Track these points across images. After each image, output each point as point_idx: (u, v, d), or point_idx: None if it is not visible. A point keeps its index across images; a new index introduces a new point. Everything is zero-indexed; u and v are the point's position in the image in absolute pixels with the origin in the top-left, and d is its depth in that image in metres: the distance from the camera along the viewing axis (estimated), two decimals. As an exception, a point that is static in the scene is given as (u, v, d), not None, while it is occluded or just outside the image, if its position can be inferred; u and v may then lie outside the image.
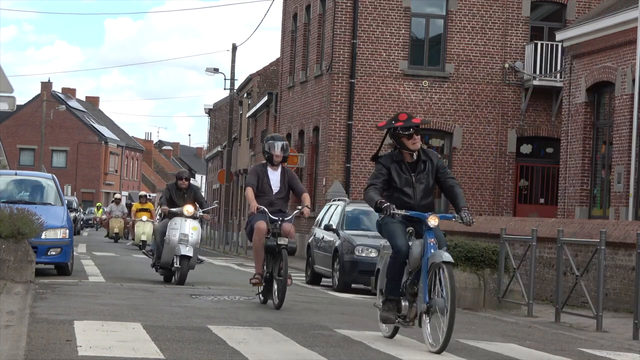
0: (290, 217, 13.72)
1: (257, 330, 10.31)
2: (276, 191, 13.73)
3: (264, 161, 14.00)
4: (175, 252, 17.74)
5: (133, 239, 35.94)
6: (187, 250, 17.67)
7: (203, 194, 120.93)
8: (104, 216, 68.47)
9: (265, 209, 13.49)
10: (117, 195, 45.39)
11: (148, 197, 38.37)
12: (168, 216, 18.32)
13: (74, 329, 9.52)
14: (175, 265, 17.83)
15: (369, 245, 20.35)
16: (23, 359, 7.66)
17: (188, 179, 18.72)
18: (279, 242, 13.26)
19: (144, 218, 34.71)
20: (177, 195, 18.48)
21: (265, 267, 13.56)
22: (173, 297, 14.22)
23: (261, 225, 13.35)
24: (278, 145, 13.80)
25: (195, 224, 18.07)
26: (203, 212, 18.69)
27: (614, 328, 14.03)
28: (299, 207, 13.81)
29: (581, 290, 14.54)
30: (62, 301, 12.54)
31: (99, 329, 9.61)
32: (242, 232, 53.71)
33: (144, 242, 32.93)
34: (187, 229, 17.90)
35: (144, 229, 34.17)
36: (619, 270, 16.85)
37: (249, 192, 13.57)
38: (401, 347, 9.72)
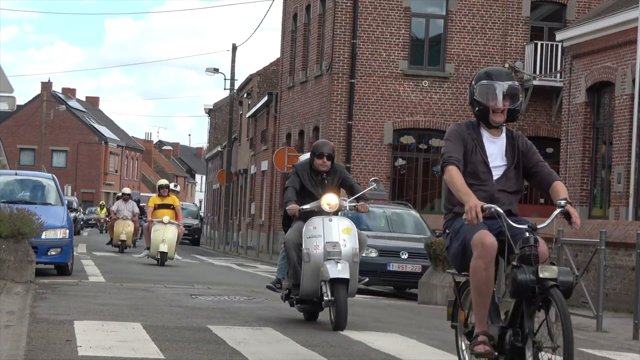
0: (546, 223, 7.08)
1: (257, 330, 10.30)
2: (498, 176, 7.27)
3: (469, 121, 7.45)
4: (322, 275, 11.03)
5: (148, 249, 25.76)
6: (340, 270, 10.96)
7: (202, 194, 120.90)
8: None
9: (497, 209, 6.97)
10: (126, 190, 34.28)
11: (174, 187, 28.42)
12: (300, 217, 11.53)
13: (74, 329, 9.52)
14: (326, 297, 10.93)
15: (369, 245, 20.31)
16: (23, 359, 7.66)
17: (332, 157, 11.89)
18: (541, 276, 6.72)
19: (165, 219, 24.99)
20: (313, 182, 11.81)
21: (491, 318, 7.13)
22: (173, 297, 14.22)
23: (487, 239, 6.92)
24: (504, 86, 7.19)
25: (347, 223, 11.51)
26: (355, 200, 12.10)
27: (614, 328, 14.02)
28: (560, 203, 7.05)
29: (581, 290, 14.54)
30: (62, 301, 12.54)
31: (99, 329, 9.60)
32: (242, 232, 53.64)
33: (163, 253, 24.78)
34: (335, 234, 11.27)
35: (165, 234, 24.80)
36: (619, 270, 16.85)
37: (455, 173, 7.05)
38: (401, 347, 9.72)
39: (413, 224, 22.19)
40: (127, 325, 10.00)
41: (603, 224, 17.86)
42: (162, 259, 24.89)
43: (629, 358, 10.73)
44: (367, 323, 11.94)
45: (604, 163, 25.85)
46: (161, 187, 26.09)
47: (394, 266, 20.14)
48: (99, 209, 65.55)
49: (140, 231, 33.58)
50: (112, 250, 32.80)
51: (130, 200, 33.34)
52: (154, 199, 26.00)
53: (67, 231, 18.90)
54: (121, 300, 13.17)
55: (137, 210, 33.21)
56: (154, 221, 25.13)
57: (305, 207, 11.33)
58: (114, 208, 33.50)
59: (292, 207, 11.34)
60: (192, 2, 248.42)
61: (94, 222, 71.16)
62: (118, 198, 34.73)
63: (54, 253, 18.53)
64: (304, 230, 11.20)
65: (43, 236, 17.63)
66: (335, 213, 11.51)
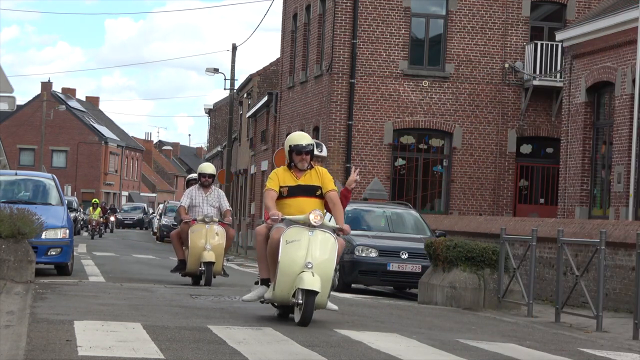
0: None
1: (257, 330, 10.30)
2: None
3: None
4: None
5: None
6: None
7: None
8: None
9: None
10: (207, 168, 18.75)
11: (318, 152, 12.81)
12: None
13: (74, 329, 9.52)
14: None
15: (369, 245, 20.35)
16: (23, 359, 7.66)
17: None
18: None
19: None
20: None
21: None
22: (173, 297, 14.22)
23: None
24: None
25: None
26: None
27: (614, 328, 14.03)
28: None
29: (581, 290, 14.54)
30: (62, 301, 12.54)
31: (99, 329, 9.60)
32: (242, 232, 53.67)
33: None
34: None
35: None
36: (619, 270, 16.85)
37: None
38: (401, 347, 9.72)
39: (413, 224, 22.19)
40: (127, 325, 9.99)
41: (603, 224, 17.86)
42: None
43: (629, 358, 10.73)
44: (367, 323, 11.94)
45: (604, 163, 25.85)
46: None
47: (393, 266, 20.13)
48: (91, 209, 52.34)
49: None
50: (112, 250, 32.55)
51: (214, 188, 18.54)
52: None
53: (67, 231, 18.91)
54: (121, 300, 13.16)
55: (226, 205, 18.46)
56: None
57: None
58: (183, 202, 18.23)
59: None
60: (192, 2, 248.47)
61: (85, 224, 57.95)
62: (190, 182, 20.03)
63: (54, 253, 18.54)
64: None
65: (43, 236, 17.64)
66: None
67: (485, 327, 13.00)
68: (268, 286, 11.31)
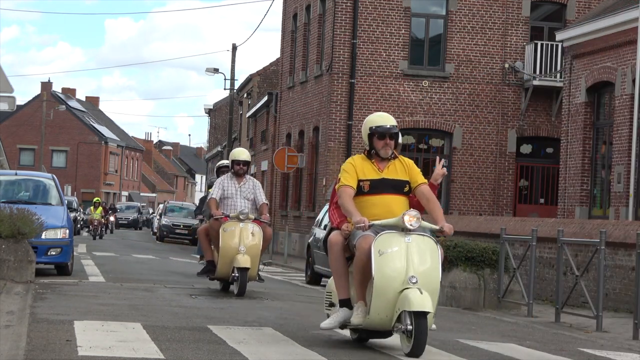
0: None
1: (257, 330, 10.30)
2: None
3: None
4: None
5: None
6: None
7: (202, 194, 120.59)
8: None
9: None
10: (241, 153, 15.79)
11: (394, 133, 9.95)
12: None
13: (74, 329, 9.52)
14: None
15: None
16: (23, 359, 7.65)
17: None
18: None
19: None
20: None
21: None
22: (173, 297, 14.22)
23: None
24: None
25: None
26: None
27: (614, 328, 14.02)
28: None
29: (581, 290, 14.54)
30: (62, 301, 12.53)
31: (99, 329, 9.60)
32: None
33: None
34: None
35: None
36: (619, 270, 16.85)
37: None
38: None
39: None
40: (127, 325, 9.99)
41: (603, 224, 17.86)
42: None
43: (629, 358, 10.73)
44: (367, 323, 11.93)
45: (604, 163, 25.84)
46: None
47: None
48: (92, 208, 50.47)
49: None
50: (112, 250, 32.55)
51: (248, 177, 15.69)
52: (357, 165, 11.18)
53: (67, 231, 18.89)
54: (121, 300, 13.16)
55: (263, 196, 15.61)
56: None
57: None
58: (214, 193, 15.35)
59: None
60: (192, 2, 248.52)
61: (86, 224, 56.21)
62: (221, 170, 18.55)
63: (54, 253, 18.52)
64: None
65: (43, 236, 17.62)
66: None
67: (485, 327, 13.00)
68: (350, 308, 9.20)
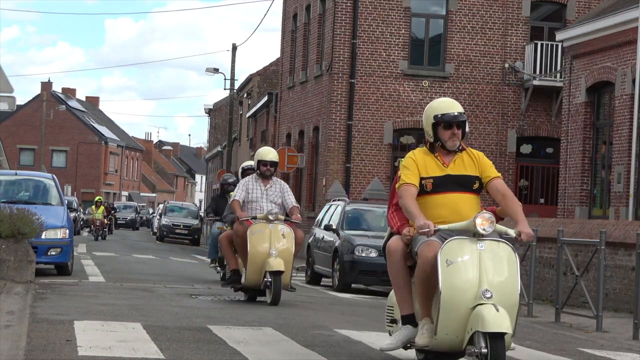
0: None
1: (257, 330, 10.30)
2: None
3: None
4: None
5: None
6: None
7: (202, 194, 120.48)
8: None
9: None
10: (268, 153, 14.53)
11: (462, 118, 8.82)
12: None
13: (74, 329, 9.52)
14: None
15: (369, 245, 20.35)
16: (23, 359, 7.65)
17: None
18: None
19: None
20: None
21: None
22: (173, 297, 14.22)
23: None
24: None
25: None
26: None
27: (614, 328, 14.03)
28: None
29: (581, 290, 14.54)
30: (62, 301, 12.54)
31: (99, 329, 9.60)
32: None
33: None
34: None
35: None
36: (619, 270, 16.85)
37: None
38: (401, 347, 9.70)
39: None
40: (127, 325, 9.99)
41: (603, 224, 17.86)
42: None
43: (629, 358, 10.73)
44: (367, 323, 11.93)
45: (604, 163, 25.84)
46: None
47: (394, 266, 20.06)
48: (93, 207, 48.91)
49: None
50: (112, 250, 32.51)
51: (275, 179, 14.47)
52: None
53: (67, 231, 18.89)
54: (121, 300, 13.16)
55: (292, 199, 14.36)
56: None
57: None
58: (238, 195, 14.09)
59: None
60: (192, 2, 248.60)
61: (87, 224, 55.20)
62: (246, 172, 17.02)
63: (54, 253, 18.52)
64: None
65: (43, 236, 17.62)
66: None
67: (485, 327, 12.98)
68: (415, 325, 8.05)
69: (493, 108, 33.55)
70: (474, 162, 8.21)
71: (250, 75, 58.19)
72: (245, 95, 59.66)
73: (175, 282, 18.12)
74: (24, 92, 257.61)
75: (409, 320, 8.07)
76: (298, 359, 8.58)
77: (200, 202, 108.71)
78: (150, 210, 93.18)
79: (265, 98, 47.31)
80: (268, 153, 14.31)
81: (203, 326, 10.35)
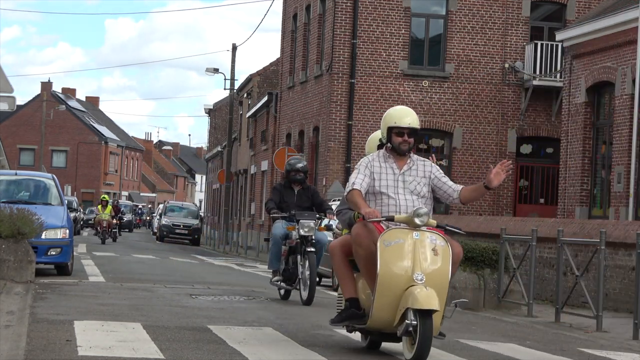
0: None
1: (257, 330, 10.30)
2: None
3: None
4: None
5: (355, 304, 8.97)
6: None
7: (202, 194, 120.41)
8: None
9: None
10: (404, 115, 8.99)
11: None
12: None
13: (74, 329, 9.51)
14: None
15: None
16: (23, 359, 7.65)
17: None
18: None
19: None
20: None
21: None
22: (173, 297, 14.22)
23: None
24: None
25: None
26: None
27: (614, 328, 14.02)
28: None
29: (581, 290, 14.54)
30: (62, 301, 12.53)
31: (99, 329, 9.60)
32: (242, 232, 53.65)
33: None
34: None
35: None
36: (619, 270, 16.85)
37: None
38: (401, 348, 9.70)
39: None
40: (127, 325, 9.99)
41: (603, 224, 17.86)
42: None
43: (629, 358, 10.73)
44: (367, 323, 11.91)
45: (604, 163, 25.84)
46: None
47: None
48: (99, 207, 45.83)
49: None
50: (112, 250, 32.48)
51: (416, 159, 9.12)
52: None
53: (67, 231, 18.89)
54: (121, 300, 13.16)
55: (450, 184, 9.23)
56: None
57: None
58: (356, 183, 8.86)
59: None
60: (192, 2, 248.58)
61: (92, 223, 54.20)
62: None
63: (54, 253, 18.51)
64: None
65: (43, 236, 17.62)
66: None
67: (485, 327, 13.00)
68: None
69: (493, 108, 33.54)
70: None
71: (250, 75, 58.17)
72: (245, 95, 59.65)
73: (175, 282, 18.11)
74: (24, 92, 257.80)
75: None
76: (298, 359, 8.58)
77: (200, 202, 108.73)
78: (149, 207, 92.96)
79: (265, 98, 47.29)
80: (404, 115, 9.05)
81: (203, 326, 10.35)
